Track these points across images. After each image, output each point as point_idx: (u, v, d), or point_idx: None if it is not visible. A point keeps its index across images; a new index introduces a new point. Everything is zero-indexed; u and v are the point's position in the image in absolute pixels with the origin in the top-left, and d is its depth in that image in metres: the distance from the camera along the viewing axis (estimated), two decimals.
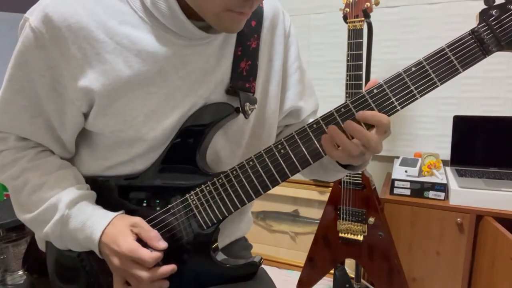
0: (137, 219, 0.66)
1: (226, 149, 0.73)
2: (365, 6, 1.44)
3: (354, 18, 1.46)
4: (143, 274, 0.62)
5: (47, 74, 0.62)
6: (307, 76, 0.84)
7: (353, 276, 1.78)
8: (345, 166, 0.71)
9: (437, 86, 0.59)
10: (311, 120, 0.84)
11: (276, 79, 0.76)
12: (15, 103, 0.65)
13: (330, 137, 0.61)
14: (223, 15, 0.58)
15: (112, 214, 0.67)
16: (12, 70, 0.63)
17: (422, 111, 1.87)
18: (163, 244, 0.65)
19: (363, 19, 1.45)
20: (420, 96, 0.60)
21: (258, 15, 0.72)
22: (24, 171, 0.68)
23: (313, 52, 2.05)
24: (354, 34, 1.46)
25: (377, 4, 1.46)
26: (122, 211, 0.69)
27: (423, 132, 1.89)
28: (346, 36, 1.48)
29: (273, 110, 0.77)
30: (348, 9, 1.48)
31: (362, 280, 1.77)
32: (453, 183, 1.59)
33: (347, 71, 1.48)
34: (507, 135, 1.68)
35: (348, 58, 1.47)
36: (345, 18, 1.49)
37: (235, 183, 0.67)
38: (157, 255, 0.63)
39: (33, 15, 0.60)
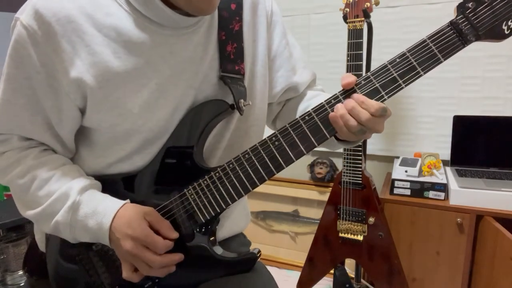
0: (150, 209, 0.67)
1: (214, 132, 0.74)
2: (365, 6, 1.44)
3: (354, 18, 1.46)
4: (155, 258, 0.64)
5: (42, 70, 0.63)
6: (298, 49, 0.84)
7: (353, 276, 1.78)
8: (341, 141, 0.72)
9: (421, 75, 0.62)
10: (309, 92, 0.84)
11: (261, 59, 0.77)
12: (14, 102, 0.65)
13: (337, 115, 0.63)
14: None
15: (122, 201, 0.68)
16: (8, 69, 0.64)
17: (422, 111, 1.87)
18: (174, 234, 0.67)
19: (363, 19, 1.45)
20: (405, 86, 0.62)
21: None
22: (30, 168, 0.68)
23: (313, 52, 2.05)
24: (354, 34, 1.46)
25: (377, 4, 1.46)
26: (128, 200, 0.70)
27: (423, 132, 1.89)
28: (346, 36, 1.47)
29: (260, 91, 0.78)
30: (348, 9, 1.48)
31: (362, 280, 1.77)
32: (453, 183, 1.59)
33: (347, 71, 1.48)
34: (507, 135, 1.69)
35: (348, 58, 1.47)
36: (345, 18, 1.49)
37: (232, 176, 0.68)
38: (169, 243, 0.65)
39: (23, 14, 0.61)
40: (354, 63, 1.46)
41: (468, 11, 0.60)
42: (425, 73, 0.62)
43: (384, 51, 1.87)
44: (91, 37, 0.62)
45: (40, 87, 0.64)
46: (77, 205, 0.66)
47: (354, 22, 1.46)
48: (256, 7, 0.76)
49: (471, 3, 0.60)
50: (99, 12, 0.62)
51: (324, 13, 1.99)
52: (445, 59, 0.61)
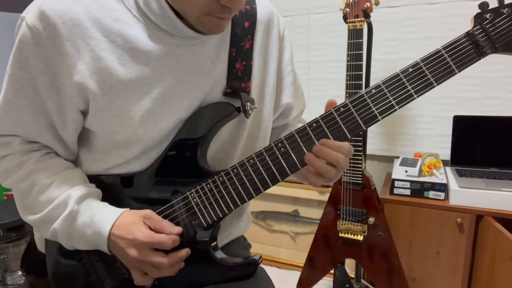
0: (148, 211, 0.66)
1: (221, 151, 0.73)
2: (365, 6, 1.44)
3: (354, 18, 1.46)
4: (163, 260, 0.63)
5: (46, 72, 0.62)
6: (298, 78, 0.86)
7: (353, 276, 1.78)
8: None
9: (434, 86, 0.61)
10: (298, 125, 0.85)
11: (271, 81, 0.77)
12: (17, 103, 0.65)
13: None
14: (203, 19, 0.60)
15: (120, 209, 0.67)
16: (12, 70, 0.63)
17: (422, 111, 1.87)
18: (176, 229, 0.66)
19: (363, 19, 1.45)
20: (417, 96, 0.61)
21: (251, 16, 0.73)
22: (30, 173, 0.68)
23: (313, 52, 2.04)
24: (354, 34, 1.46)
25: (377, 4, 1.46)
26: (127, 208, 0.69)
27: (423, 132, 1.89)
28: (346, 36, 1.47)
29: (269, 113, 0.78)
30: (348, 9, 1.48)
31: (362, 280, 1.77)
32: (453, 183, 1.59)
33: (347, 71, 1.48)
34: (507, 135, 1.68)
35: (348, 58, 1.47)
36: (345, 18, 1.49)
37: (236, 181, 0.67)
38: (174, 237, 0.64)
39: (29, 14, 0.60)
40: (354, 63, 1.46)
41: (486, 22, 0.58)
42: (438, 84, 0.60)
43: (384, 51, 1.87)
44: (97, 42, 0.61)
45: (43, 88, 0.64)
46: (75, 214, 0.65)
47: (354, 22, 1.46)
48: (270, 30, 0.76)
49: (489, 14, 0.58)
50: (107, 17, 0.61)
51: (324, 13, 1.98)
52: (459, 71, 0.59)
